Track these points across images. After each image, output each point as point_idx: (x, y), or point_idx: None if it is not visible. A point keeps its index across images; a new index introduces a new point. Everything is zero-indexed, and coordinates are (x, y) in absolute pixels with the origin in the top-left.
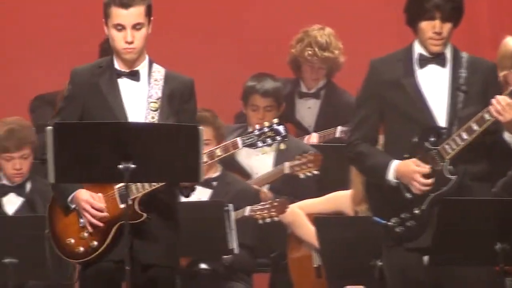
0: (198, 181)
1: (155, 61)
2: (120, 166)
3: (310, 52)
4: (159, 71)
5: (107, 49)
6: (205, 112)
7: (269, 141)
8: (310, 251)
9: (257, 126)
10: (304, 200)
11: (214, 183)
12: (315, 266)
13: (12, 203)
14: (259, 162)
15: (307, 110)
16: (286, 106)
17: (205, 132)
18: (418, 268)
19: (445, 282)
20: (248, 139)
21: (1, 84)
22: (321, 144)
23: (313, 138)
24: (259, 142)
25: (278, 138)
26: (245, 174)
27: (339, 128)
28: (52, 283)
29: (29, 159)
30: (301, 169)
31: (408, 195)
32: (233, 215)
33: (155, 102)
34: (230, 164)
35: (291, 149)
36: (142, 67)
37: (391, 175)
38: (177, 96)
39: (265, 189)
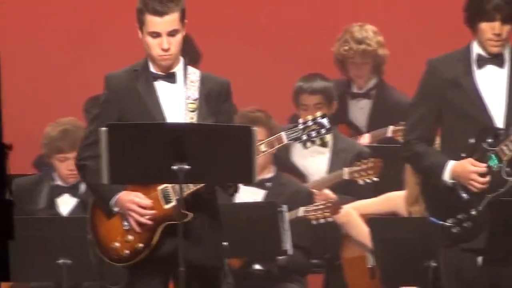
0: (252, 182)
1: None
2: (174, 167)
3: (346, 47)
4: (194, 73)
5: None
6: (259, 113)
7: (313, 134)
8: (364, 252)
9: (300, 120)
10: (358, 201)
11: (268, 184)
12: (369, 267)
13: (67, 204)
14: (314, 163)
15: (359, 111)
16: (339, 107)
17: (259, 133)
18: (473, 268)
19: (502, 283)
20: (292, 133)
21: (55, 85)
22: (374, 144)
23: (365, 138)
24: (303, 136)
25: (323, 131)
26: (300, 175)
27: (391, 128)
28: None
29: None
30: (360, 176)
31: (464, 195)
32: (287, 216)
33: (193, 103)
34: (285, 165)
35: (346, 150)
36: (178, 69)
37: (447, 175)
38: (214, 97)
39: (326, 190)
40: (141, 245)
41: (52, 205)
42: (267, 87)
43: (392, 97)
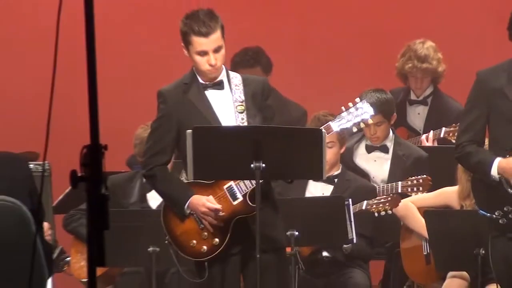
0: (322, 179)
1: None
2: (252, 165)
3: (410, 65)
4: (235, 77)
5: (238, 62)
6: (330, 116)
7: (357, 120)
8: (420, 241)
9: (343, 108)
10: (417, 195)
11: (336, 180)
12: (425, 254)
13: (155, 199)
14: (376, 167)
15: (417, 116)
16: (398, 112)
17: (330, 135)
18: None
19: None
20: (339, 120)
21: (146, 89)
22: (432, 146)
23: (429, 141)
24: (349, 122)
25: (365, 115)
26: (363, 174)
27: (443, 129)
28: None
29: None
30: (411, 191)
31: (510, 190)
32: (352, 208)
33: (241, 105)
34: (350, 166)
35: (405, 155)
36: (223, 76)
37: (494, 171)
38: (258, 95)
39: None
40: (217, 240)
41: (143, 199)
42: (337, 96)
43: (445, 103)
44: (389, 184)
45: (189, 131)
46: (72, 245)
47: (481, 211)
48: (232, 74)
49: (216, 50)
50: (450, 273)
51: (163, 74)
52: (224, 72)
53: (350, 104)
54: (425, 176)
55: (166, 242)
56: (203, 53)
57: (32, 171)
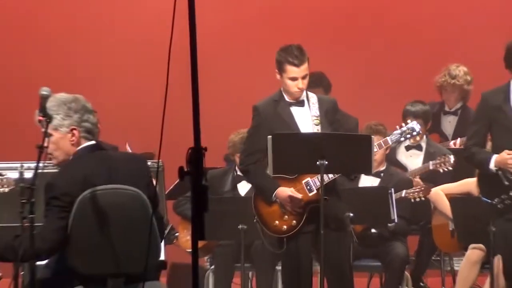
0: (370, 174)
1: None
2: (318, 162)
3: (442, 79)
4: (312, 97)
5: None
6: (380, 125)
7: (408, 136)
8: (446, 220)
9: (397, 127)
10: (444, 185)
11: (382, 174)
12: (450, 230)
13: (244, 188)
14: (412, 161)
15: (448, 124)
16: (434, 121)
17: (378, 139)
18: None
19: None
20: (394, 137)
21: (230, 100)
22: (457, 148)
23: (456, 144)
24: (402, 138)
25: (414, 133)
26: (403, 168)
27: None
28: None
29: None
30: (440, 166)
31: (506, 182)
32: (394, 196)
33: (316, 119)
34: (393, 162)
35: (435, 153)
36: (303, 96)
37: (492, 165)
38: (330, 112)
39: (417, 178)
40: (294, 221)
41: (234, 188)
42: (388, 109)
43: (471, 115)
44: (422, 165)
45: (270, 136)
46: (180, 223)
47: (483, 198)
48: (310, 94)
49: (304, 77)
50: (472, 245)
51: (250, 91)
52: (304, 93)
53: (403, 125)
54: (449, 153)
55: (255, 221)
56: (294, 79)
57: (149, 168)
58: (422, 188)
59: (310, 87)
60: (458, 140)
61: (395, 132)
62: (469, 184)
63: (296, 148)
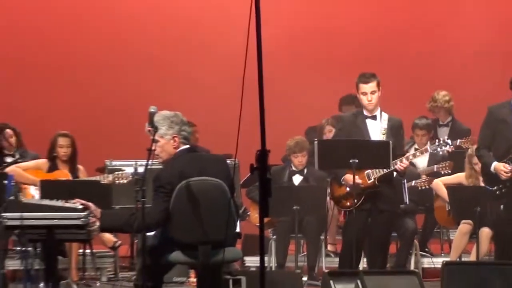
0: (389, 168)
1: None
2: (351, 161)
3: (429, 104)
4: (384, 115)
5: (343, 100)
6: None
7: (443, 147)
8: (444, 203)
9: (436, 141)
10: (442, 177)
11: None
12: (447, 210)
13: (297, 180)
14: (420, 160)
15: (443, 133)
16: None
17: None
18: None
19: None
20: (433, 146)
21: (288, 112)
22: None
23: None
24: (438, 148)
25: (447, 146)
26: (413, 165)
27: (458, 141)
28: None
29: (306, 156)
30: (442, 170)
31: (502, 177)
32: (406, 184)
33: (384, 132)
34: None
35: (437, 154)
36: (377, 113)
37: (492, 169)
38: (394, 129)
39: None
40: (356, 200)
41: (290, 180)
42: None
43: (458, 126)
44: (430, 167)
45: (316, 141)
46: (251, 205)
47: (487, 186)
48: (383, 114)
49: (372, 93)
50: (463, 221)
51: (305, 104)
52: (378, 111)
53: (441, 139)
54: (448, 162)
55: (328, 198)
56: (364, 94)
57: (228, 165)
58: (427, 179)
59: (345, 103)
60: (452, 144)
61: (434, 144)
62: (460, 177)
63: (337, 149)
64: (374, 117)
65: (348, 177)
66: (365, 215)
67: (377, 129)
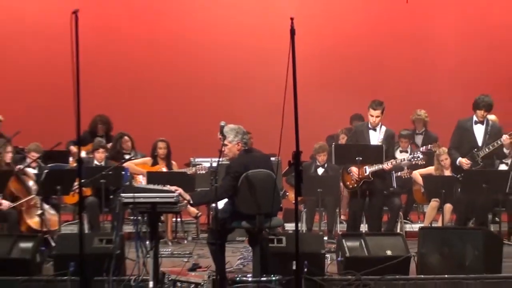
0: (382, 163)
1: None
2: (356, 159)
3: (414, 117)
4: (382, 127)
5: (353, 117)
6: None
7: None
8: (420, 187)
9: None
10: (418, 170)
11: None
12: (422, 191)
13: (320, 171)
14: (402, 157)
15: (419, 139)
16: (411, 138)
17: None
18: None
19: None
20: (409, 157)
21: (317, 121)
22: (424, 151)
23: (424, 149)
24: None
25: (419, 159)
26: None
27: (429, 146)
28: None
29: (326, 155)
30: (416, 161)
31: (464, 168)
32: (394, 174)
33: (380, 140)
34: (393, 157)
35: (414, 154)
36: (378, 127)
37: (457, 162)
38: (389, 138)
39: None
40: (356, 185)
41: (315, 172)
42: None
43: (429, 134)
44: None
45: (333, 145)
46: (289, 188)
47: (454, 174)
48: (383, 127)
49: (377, 116)
50: (432, 199)
51: (330, 113)
52: (379, 125)
53: (417, 152)
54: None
55: (341, 182)
56: (372, 116)
57: (272, 161)
58: (408, 171)
59: (356, 120)
60: (424, 148)
61: (410, 156)
62: (430, 170)
63: (346, 152)
64: (375, 129)
65: (353, 169)
66: (363, 195)
67: (376, 137)
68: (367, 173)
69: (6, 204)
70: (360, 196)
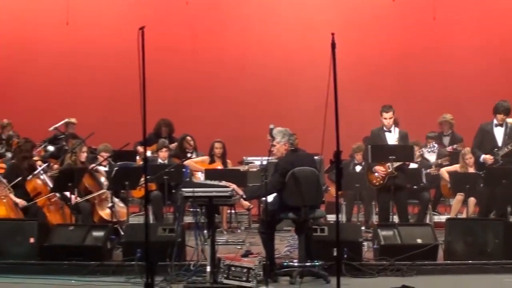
0: (414, 162)
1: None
2: (390, 157)
3: (441, 120)
4: (396, 129)
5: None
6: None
7: (431, 150)
8: (447, 183)
9: (428, 146)
10: (446, 167)
11: (419, 162)
12: (449, 187)
13: (358, 168)
14: (430, 157)
15: (446, 140)
16: (438, 139)
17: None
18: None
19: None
20: (426, 149)
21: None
22: (451, 151)
23: (450, 150)
24: (429, 149)
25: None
26: (427, 160)
27: (455, 145)
28: None
29: (362, 155)
30: (443, 162)
31: (487, 163)
32: (423, 172)
33: (396, 140)
34: (423, 157)
35: (440, 154)
36: (392, 128)
37: (481, 159)
38: (403, 138)
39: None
40: (382, 181)
41: (353, 169)
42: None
43: (455, 135)
44: (437, 161)
45: (369, 146)
46: (330, 183)
47: (477, 171)
48: (396, 128)
49: (390, 118)
50: (458, 193)
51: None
52: (393, 127)
53: (429, 145)
54: (447, 157)
55: (365, 179)
56: (385, 118)
57: (316, 159)
58: (436, 169)
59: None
60: (450, 148)
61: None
62: (456, 167)
63: (380, 151)
64: (390, 131)
65: (377, 167)
66: (389, 190)
67: (392, 138)
68: (391, 169)
69: (23, 202)
70: (387, 191)
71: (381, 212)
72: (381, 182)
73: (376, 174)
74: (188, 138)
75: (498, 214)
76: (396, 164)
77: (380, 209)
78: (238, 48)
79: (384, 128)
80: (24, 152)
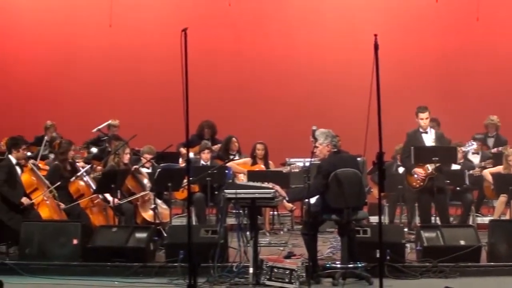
0: (456, 163)
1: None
2: (433, 158)
3: (487, 122)
4: (431, 130)
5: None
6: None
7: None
8: (490, 184)
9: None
10: (489, 168)
11: (462, 163)
12: (492, 188)
13: (401, 170)
14: (474, 158)
15: (491, 142)
16: (483, 141)
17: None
18: None
19: None
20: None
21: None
22: (495, 152)
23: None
24: (469, 147)
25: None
26: (470, 161)
27: (500, 148)
28: None
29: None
30: (487, 164)
31: None
32: (467, 173)
33: (433, 141)
34: (466, 158)
35: (484, 156)
36: (428, 130)
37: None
38: (440, 138)
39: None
40: (421, 183)
41: (396, 170)
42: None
43: (500, 137)
44: (481, 163)
45: (412, 147)
46: (373, 185)
47: None
48: (431, 130)
49: (426, 119)
50: (502, 195)
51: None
52: (429, 128)
53: (468, 143)
54: (491, 159)
55: (404, 182)
56: (421, 119)
57: (359, 161)
58: (479, 170)
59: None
60: (495, 149)
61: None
62: (500, 169)
63: (423, 152)
64: (426, 132)
65: (417, 170)
66: (430, 191)
67: (429, 140)
68: (430, 170)
69: (28, 201)
70: (428, 192)
71: (422, 213)
72: (421, 184)
73: (416, 176)
74: (234, 139)
75: None
76: (435, 164)
77: (420, 210)
78: (281, 49)
79: (420, 130)
80: (61, 153)
